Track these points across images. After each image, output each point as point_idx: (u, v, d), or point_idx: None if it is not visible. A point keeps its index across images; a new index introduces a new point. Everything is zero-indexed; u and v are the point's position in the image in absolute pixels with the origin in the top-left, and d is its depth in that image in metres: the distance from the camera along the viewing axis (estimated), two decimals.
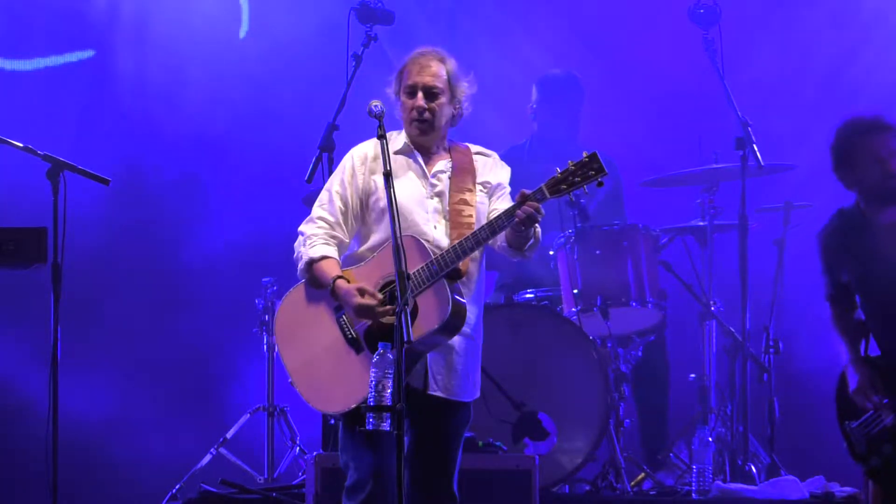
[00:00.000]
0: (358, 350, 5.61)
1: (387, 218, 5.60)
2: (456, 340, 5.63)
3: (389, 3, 8.17)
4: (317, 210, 5.79)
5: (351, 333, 5.63)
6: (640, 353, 8.38)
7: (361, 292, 5.55)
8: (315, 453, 6.96)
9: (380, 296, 5.54)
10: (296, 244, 5.78)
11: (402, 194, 5.62)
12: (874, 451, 6.74)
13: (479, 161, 5.86)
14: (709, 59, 8.35)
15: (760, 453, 8.22)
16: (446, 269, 5.53)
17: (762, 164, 8.09)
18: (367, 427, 5.22)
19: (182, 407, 9.51)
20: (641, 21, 9.76)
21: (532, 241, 5.62)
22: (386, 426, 5.20)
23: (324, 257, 5.68)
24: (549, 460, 7.62)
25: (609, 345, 8.17)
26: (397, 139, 5.81)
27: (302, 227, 5.79)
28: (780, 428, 8.16)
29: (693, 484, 7.69)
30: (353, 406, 5.51)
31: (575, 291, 8.14)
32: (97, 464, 9.19)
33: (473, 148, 5.90)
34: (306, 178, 7.75)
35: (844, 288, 6.93)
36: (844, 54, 9.76)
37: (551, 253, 8.44)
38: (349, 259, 5.75)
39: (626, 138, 9.44)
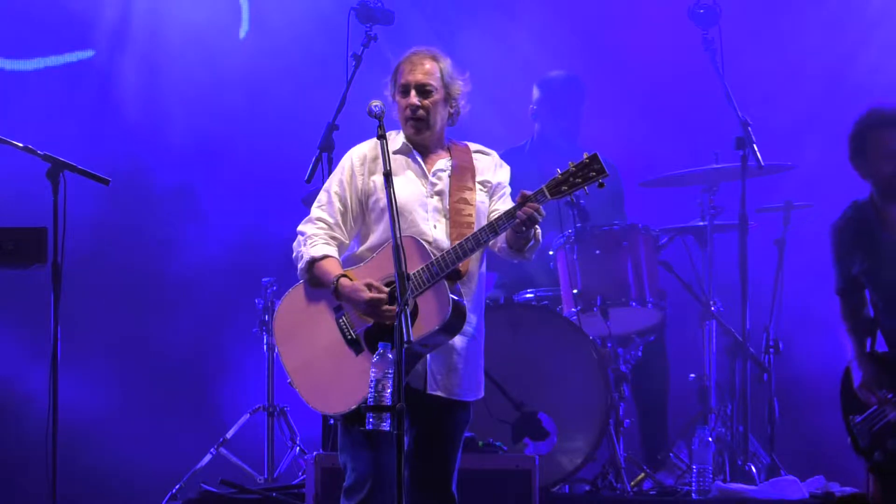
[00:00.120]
0: (358, 351, 5.60)
1: (386, 218, 5.60)
2: (457, 340, 5.63)
3: (389, 3, 8.17)
4: (316, 211, 5.78)
5: (351, 334, 5.62)
6: (640, 353, 8.38)
7: (369, 286, 5.54)
8: (315, 453, 6.96)
9: (385, 289, 5.53)
10: (294, 244, 5.78)
11: (401, 194, 5.62)
12: (877, 445, 6.74)
13: (478, 159, 5.85)
14: (709, 59, 8.35)
15: (760, 453, 8.22)
16: (447, 270, 5.52)
17: (762, 164, 8.09)
18: (367, 427, 5.22)
19: (182, 407, 9.51)
20: (641, 21, 9.76)
21: (532, 241, 5.62)
22: (386, 426, 5.20)
23: (325, 256, 5.67)
24: (549, 460, 7.62)
25: (609, 345, 8.17)
26: (396, 139, 5.81)
27: (301, 228, 5.78)
28: (780, 428, 8.17)
29: (693, 484, 7.69)
30: (353, 407, 5.51)
31: (575, 291, 8.14)
32: (97, 464, 9.18)
33: (473, 146, 5.89)
34: (306, 178, 7.75)
35: (854, 281, 6.92)
36: (845, 54, 9.76)
37: (551, 253, 8.44)
38: (348, 260, 5.74)
39: (626, 138, 9.44)
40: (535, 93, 9.09)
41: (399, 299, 5.25)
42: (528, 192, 5.53)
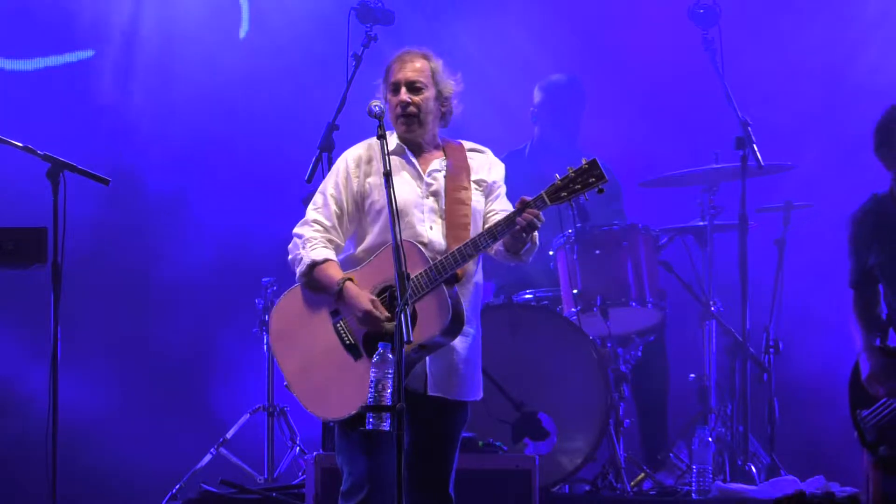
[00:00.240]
0: (356, 356, 5.58)
1: (383, 220, 5.61)
2: (457, 341, 5.61)
3: (389, 3, 8.17)
4: (311, 213, 5.76)
5: (349, 339, 5.60)
6: (639, 353, 8.38)
7: (373, 302, 5.53)
8: (315, 453, 6.96)
9: (387, 313, 5.52)
10: (291, 247, 5.74)
11: (397, 195, 5.61)
12: (884, 439, 6.74)
13: (473, 158, 5.83)
14: (709, 59, 8.35)
15: (760, 453, 8.22)
16: (446, 274, 5.51)
17: (762, 164, 8.09)
18: (367, 427, 5.22)
19: (182, 407, 9.51)
20: (641, 21, 9.75)
21: (529, 245, 5.60)
22: (386, 426, 5.19)
23: (326, 260, 5.66)
24: (549, 460, 7.62)
25: (609, 345, 8.17)
26: (390, 140, 5.76)
27: (298, 230, 5.75)
28: (780, 428, 8.17)
29: (693, 484, 7.70)
30: (353, 413, 5.48)
31: (575, 291, 8.14)
32: (97, 464, 9.18)
33: (467, 144, 5.87)
34: (306, 178, 7.75)
35: (869, 274, 6.91)
36: (845, 54, 9.76)
37: (551, 253, 8.44)
38: (345, 261, 5.71)
39: (625, 138, 9.44)
40: (537, 95, 9.09)
41: (399, 299, 5.24)
42: (528, 198, 5.52)
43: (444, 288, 5.50)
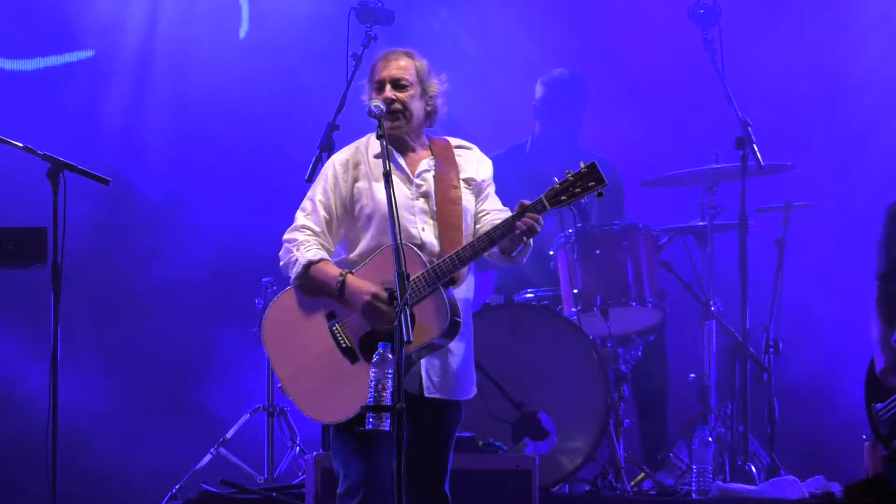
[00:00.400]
0: (353, 360, 5.58)
1: (375, 224, 5.61)
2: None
3: (389, 3, 8.17)
4: (301, 219, 5.74)
5: (345, 342, 5.60)
6: (639, 353, 8.38)
7: (378, 295, 5.52)
8: (315, 453, 6.95)
9: (388, 302, 5.50)
10: (281, 253, 5.72)
11: (385, 198, 5.61)
12: None
13: (461, 155, 5.81)
14: (709, 59, 8.35)
15: (760, 453, 8.22)
16: (444, 278, 5.50)
17: (762, 164, 8.09)
18: (367, 427, 5.21)
19: (182, 407, 9.51)
20: (641, 21, 9.75)
21: (522, 246, 5.59)
22: (386, 426, 5.19)
23: (322, 259, 5.65)
24: (549, 460, 7.62)
25: (609, 345, 8.17)
26: (376, 142, 5.73)
27: (288, 236, 5.73)
28: (780, 428, 8.17)
29: (693, 484, 7.69)
30: (351, 416, 5.48)
31: (575, 291, 8.14)
32: (97, 464, 9.18)
33: (453, 141, 5.85)
34: (306, 177, 7.75)
35: None
36: (845, 54, 9.76)
37: (551, 253, 8.44)
38: (339, 266, 5.68)
39: (626, 138, 9.44)
40: (538, 90, 9.08)
41: (399, 299, 5.23)
42: (527, 202, 5.52)
43: (442, 291, 5.50)
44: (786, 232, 8.58)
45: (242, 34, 9.99)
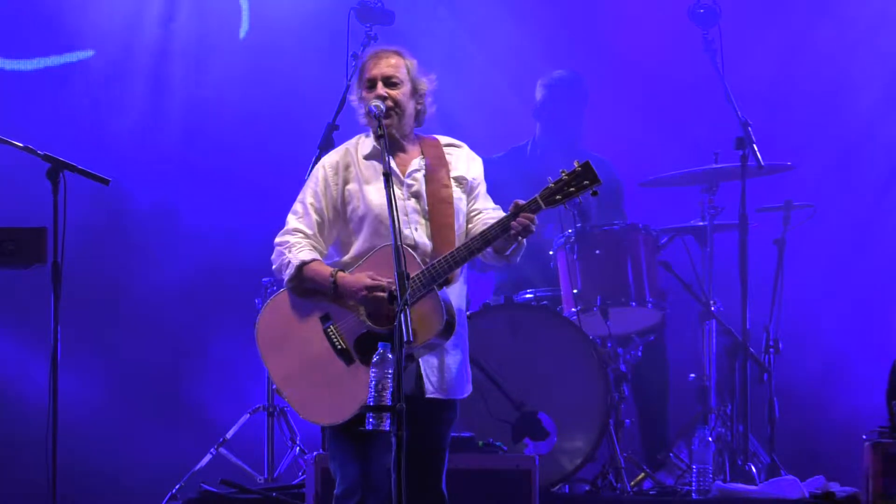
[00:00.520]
0: (348, 361, 5.56)
1: (367, 226, 5.61)
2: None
3: (389, 3, 8.17)
4: (293, 222, 5.74)
5: (340, 344, 5.59)
6: (639, 353, 8.38)
7: (372, 277, 5.50)
8: (315, 453, 6.96)
9: (385, 281, 5.48)
10: (274, 256, 5.72)
11: (377, 200, 5.60)
12: None
13: (451, 153, 5.80)
14: (709, 59, 8.35)
15: (760, 453, 8.22)
16: (439, 279, 5.50)
17: (762, 164, 8.09)
18: (367, 427, 5.21)
19: (182, 407, 9.51)
20: (641, 21, 9.75)
21: (516, 245, 5.58)
22: (386, 426, 5.19)
23: (314, 259, 5.65)
24: (549, 460, 7.62)
25: (609, 345, 8.17)
26: (365, 143, 5.75)
27: (281, 238, 5.73)
28: (780, 428, 8.17)
29: (693, 484, 7.69)
30: (348, 418, 5.48)
31: (575, 291, 8.14)
32: (97, 464, 9.18)
33: (443, 139, 5.83)
34: (306, 177, 7.73)
35: None
36: (845, 54, 9.76)
37: (551, 253, 8.44)
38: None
39: (626, 138, 9.44)
40: (539, 92, 9.08)
41: (399, 299, 5.23)
42: (522, 202, 5.51)
43: (437, 291, 5.49)
44: (786, 232, 8.57)
45: (242, 34, 9.99)
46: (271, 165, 9.59)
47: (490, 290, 8.88)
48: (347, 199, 5.71)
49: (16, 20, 9.71)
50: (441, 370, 5.62)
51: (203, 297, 9.67)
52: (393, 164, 5.69)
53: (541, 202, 5.50)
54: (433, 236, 5.64)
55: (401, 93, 5.70)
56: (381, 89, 5.68)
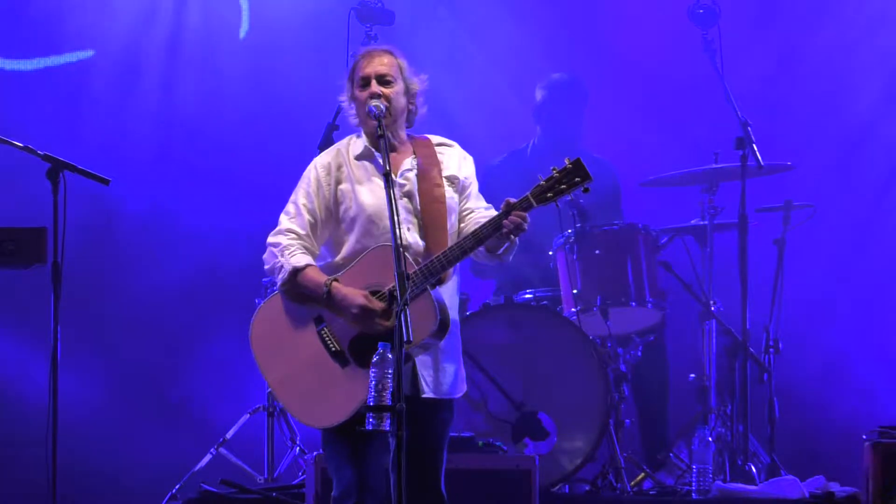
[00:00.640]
0: (343, 364, 5.56)
1: (360, 226, 5.59)
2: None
3: (389, 3, 8.17)
4: (285, 222, 5.73)
5: (334, 346, 5.58)
6: (639, 353, 8.38)
7: (367, 297, 5.52)
8: (315, 453, 6.96)
9: (380, 304, 5.49)
10: (266, 256, 5.71)
11: (369, 200, 5.59)
12: None
13: (442, 153, 5.79)
14: (709, 59, 8.35)
15: (760, 453, 8.22)
16: (432, 278, 5.49)
17: (762, 164, 8.10)
18: (367, 427, 5.20)
19: (182, 407, 9.51)
20: (641, 21, 9.75)
21: (508, 244, 5.58)
22: (386, 426, 5.19)
23: (308, 265, 5.63)
24: (549, 460, 7.62)
25: (609, 345, 8.17)
26: (357, 143, 5.74)
27: (272, 239, 5.71)
28: (780, 428, 8.17)
29: (693, 484, 7.69)
30: (343, 420, 5.48)
31: (574, 291, 8.14)
32: (97, 464, 9.18)
33: (434, 139, 5.83)
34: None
35: None
36: (845, 54, 9.76)
37: (551, 253, 8.44)
38: (324, 270, 5.66)
39: (626, 138, 9.44)
40: (538, 94, 9.08)
41: (399, 299, 5.22)
42: (513, 200, 5.50)
43: (430, 291, 5.49)
44: (786, 232, 8.57)
45: (242, 34, 9.99)
46: (271, 165, 9.58)
47: (490, 290, 8.88)
48: (340, 199, 5.70)
49: (16, 20, 9.71)
50: (436, 370, 5.61)
51: (203, 297, 9.67)
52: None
53: (532, 200, 5.48)
54: (426, 236, 5.63)
55: (394, 91, 5.69)
56: (375, 87, 5.67)
